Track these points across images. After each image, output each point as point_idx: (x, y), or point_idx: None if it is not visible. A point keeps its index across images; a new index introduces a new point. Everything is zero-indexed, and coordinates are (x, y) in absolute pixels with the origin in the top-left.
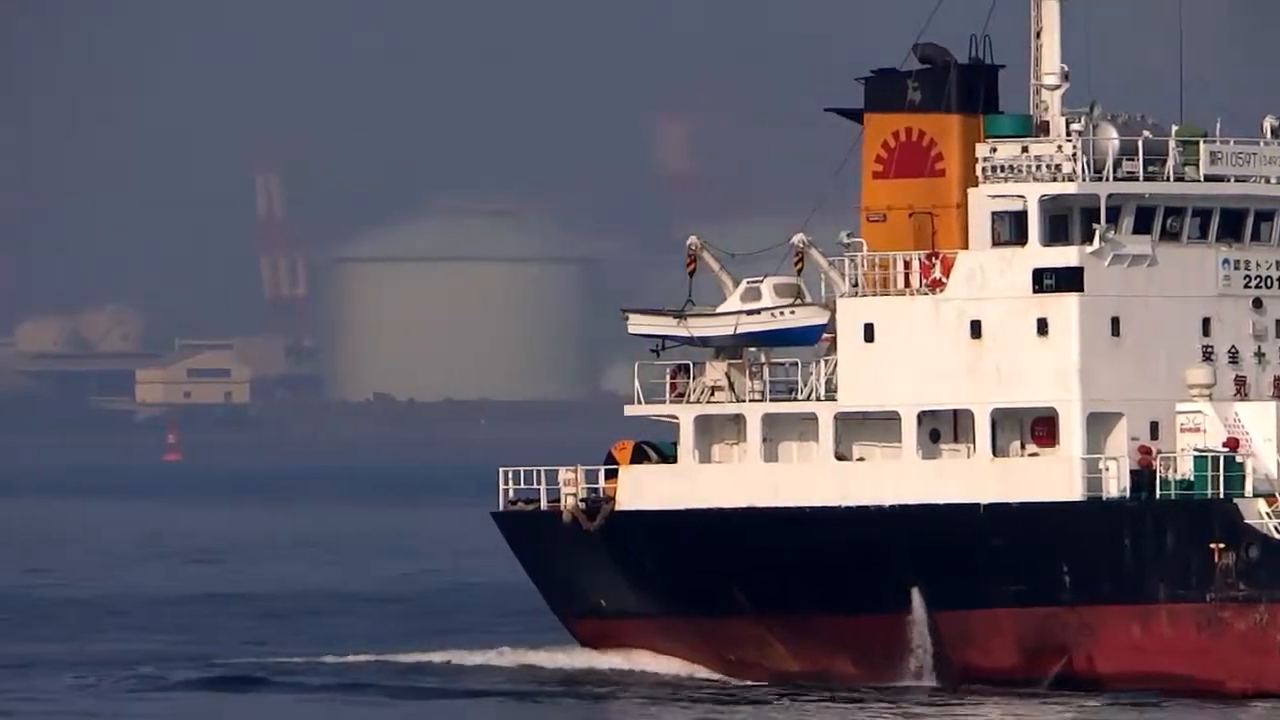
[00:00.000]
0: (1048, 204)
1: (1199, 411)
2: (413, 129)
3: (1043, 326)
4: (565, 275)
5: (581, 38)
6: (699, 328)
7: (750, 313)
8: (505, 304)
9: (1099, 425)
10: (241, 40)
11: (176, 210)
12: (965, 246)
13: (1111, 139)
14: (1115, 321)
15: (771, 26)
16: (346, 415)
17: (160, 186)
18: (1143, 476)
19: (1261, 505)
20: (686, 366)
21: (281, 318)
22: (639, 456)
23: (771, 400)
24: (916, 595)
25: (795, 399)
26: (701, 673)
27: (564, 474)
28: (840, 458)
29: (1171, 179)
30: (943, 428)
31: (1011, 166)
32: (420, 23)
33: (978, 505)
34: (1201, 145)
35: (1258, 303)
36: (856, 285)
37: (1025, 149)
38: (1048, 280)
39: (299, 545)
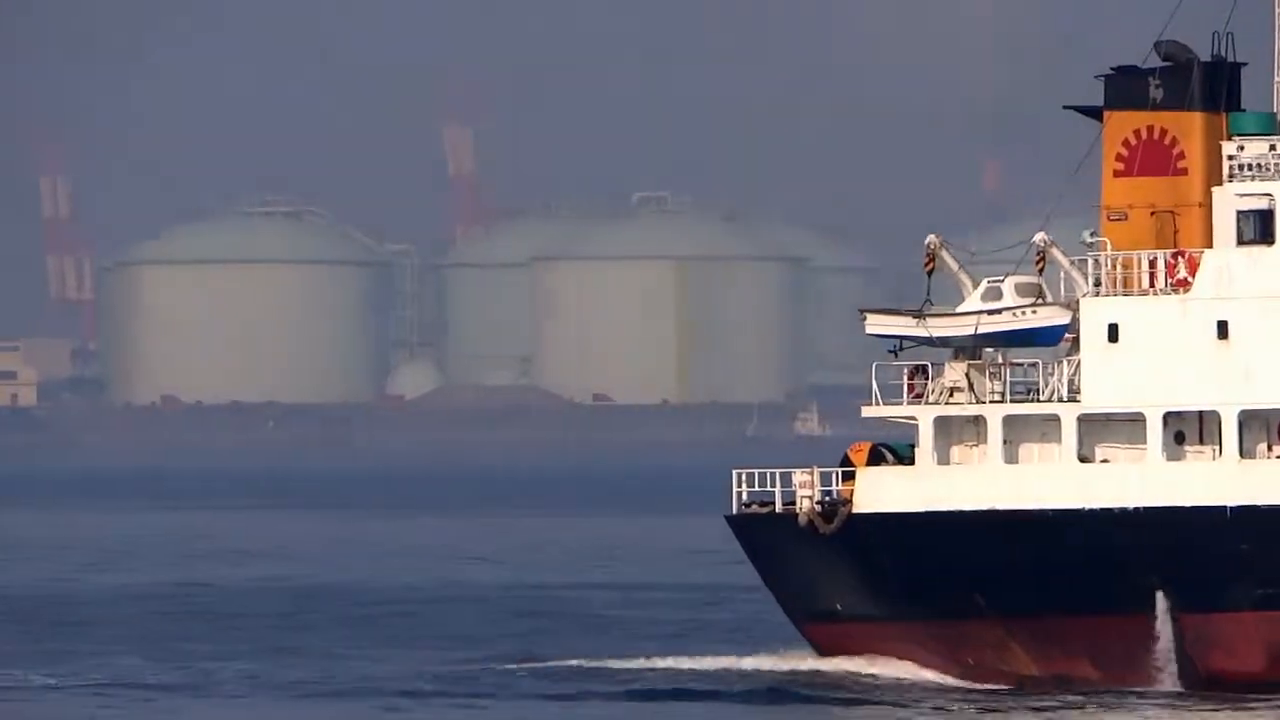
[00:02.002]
0: None
1: None
2: (202, 132)
3: None
4: (353, 278)
5: (379, 41)
6: (938, 328)
7: (991, 312)
8: (293, 307)
9: None
10: (33, 39)
11: None
12: (1207, 245)
13: None
14: None
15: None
16: (132, 418)
17: None
18: None
19: None
20: (925, 367)
21: (68, 320)
22: (876, 458)
23: (1012, 401)
24: (1160, 598)
25: (1036, 400)
26: (939, 677)
27: (799, 476)
28: (1083, 460)
29: None
30: (1188, 429)
31: (1259, 164)
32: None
33: (1224, 508)
34: None
35: None
36: (1099, 285)
37: (1273, 146)
38: None
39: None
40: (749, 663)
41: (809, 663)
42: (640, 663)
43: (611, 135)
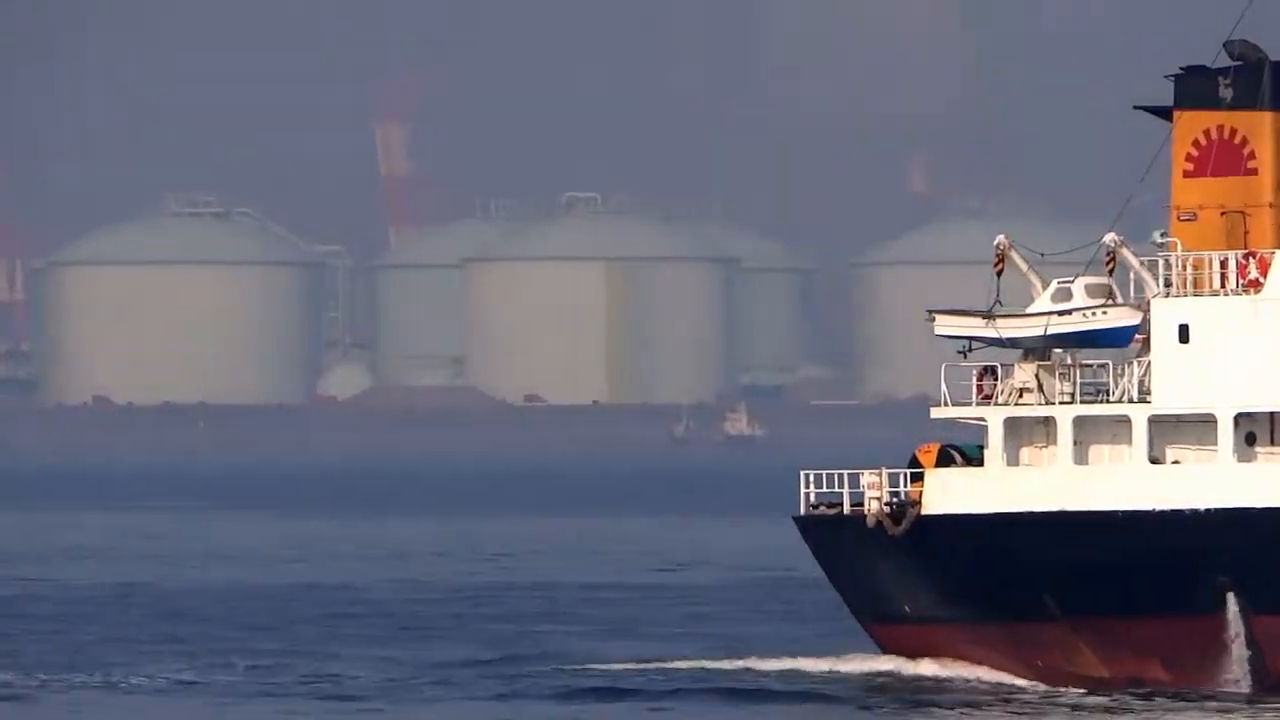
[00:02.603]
0: None
1: None
2: (134, 132)
3: None
4: (285, 279)
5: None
6: (1008, 329)
7: (1061, 313)
8: (225, 308)
9: None
10: None
11: None
12: (1278, 245)
13: None
14: None
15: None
16: (64, 419)
17: None
18: None
19: None
20: (994, 368)
21: None
22: (944, 459)
23: (1082, 402)
24: (1232, 600)
25: (1107, 401)
26: (1009, 679)
27: (867, 477)
28: (1154, 461)
29: None
30: (1259, 430)
31: None
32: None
33: None
34: None
35: None
36: (1169, 285)
37: None
38: None
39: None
40: (810, 664)
41: (875, 664)
42: (695, 664)
43: (546, 137)
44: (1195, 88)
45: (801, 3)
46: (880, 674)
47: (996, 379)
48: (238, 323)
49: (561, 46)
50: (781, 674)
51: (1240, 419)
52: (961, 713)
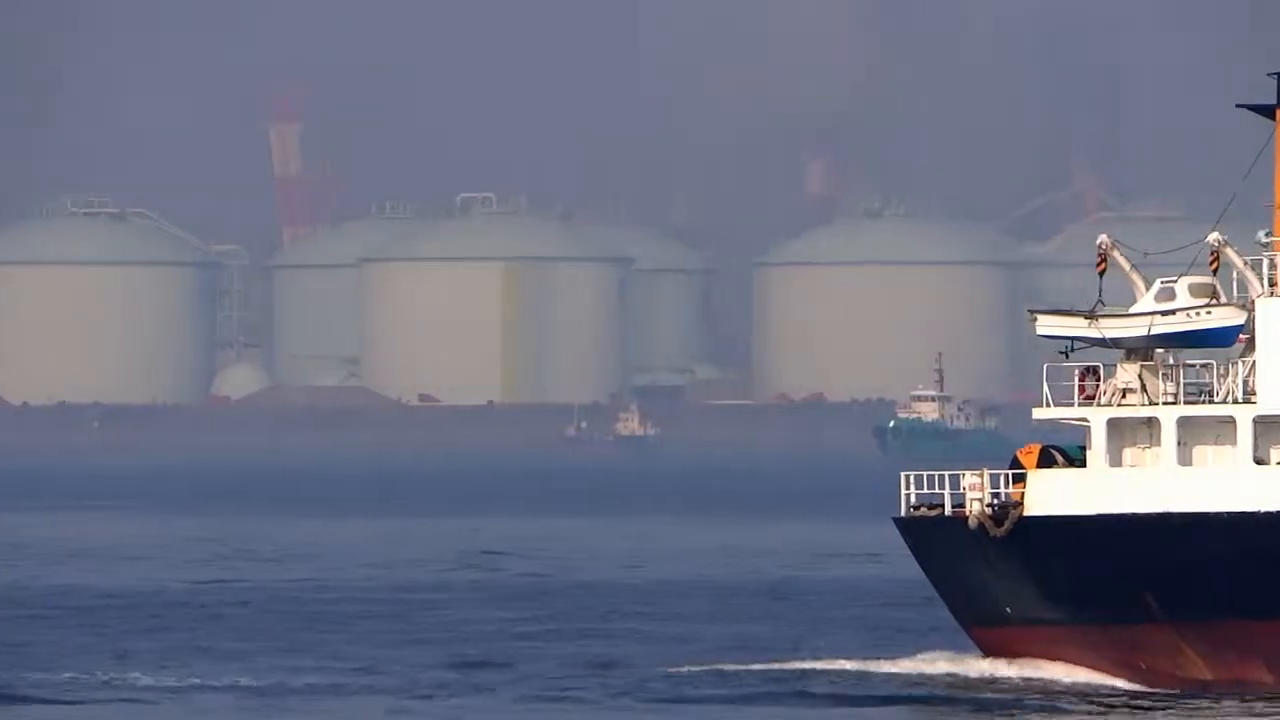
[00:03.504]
0: None
1: None
2: (30, 132)
3: None
4: (179, 278)
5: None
6: (1111, 329)
7: (1165, 313)
8: (119, 307)
9: None
10: None
11: None
12: None
13: None
14: None
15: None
16: None
17: None
18: None
19: None
20: (1096, 369)
21: None
22: (1046, 460)
23: (1185, 403)
24: None
25: (1211, 402)
26: (1111, 682)
27: (969, 478)
28: (1259, 462)
29: None
30: None
31: None
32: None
33: None
34: None
35: None
36: (1274, 285)
37: None
38: None
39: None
40: (909, 665)
41: (976, 666)
42: (798, 664)
43: (441, 137)
44: None
45: (700, 1)
46: (980, 676)
47: (1099, 380)
48: (133, 322)
49: (454, 46)
50: (882, 675)
51: None
52: (1065, 715)
